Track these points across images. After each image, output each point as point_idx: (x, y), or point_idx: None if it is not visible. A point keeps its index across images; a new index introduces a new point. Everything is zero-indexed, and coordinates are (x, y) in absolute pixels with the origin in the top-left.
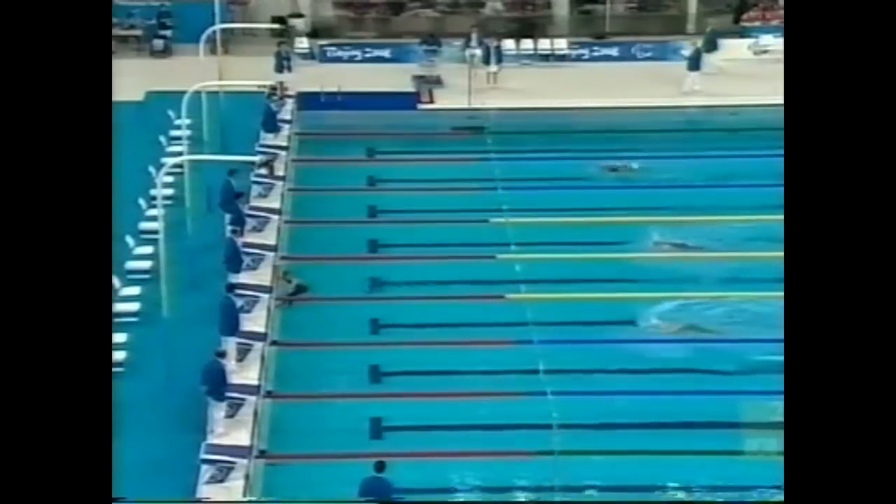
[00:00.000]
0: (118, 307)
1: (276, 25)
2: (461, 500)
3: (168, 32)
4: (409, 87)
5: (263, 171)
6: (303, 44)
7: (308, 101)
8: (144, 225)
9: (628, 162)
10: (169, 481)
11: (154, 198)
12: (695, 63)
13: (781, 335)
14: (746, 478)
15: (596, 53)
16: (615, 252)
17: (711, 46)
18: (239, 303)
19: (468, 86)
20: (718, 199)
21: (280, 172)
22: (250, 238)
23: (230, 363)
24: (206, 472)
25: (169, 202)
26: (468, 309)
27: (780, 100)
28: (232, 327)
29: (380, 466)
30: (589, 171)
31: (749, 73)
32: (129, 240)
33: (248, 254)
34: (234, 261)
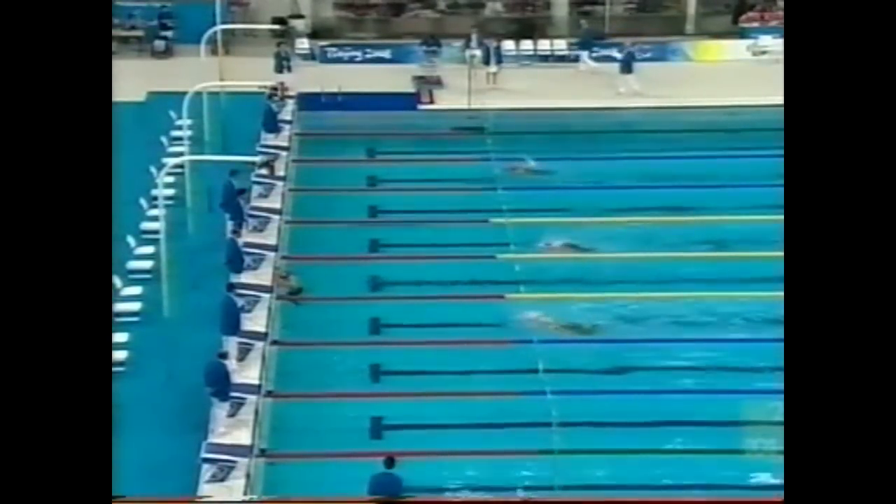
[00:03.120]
0: (120, 307)
1: (276, 26)
2: (461, 498)
3: (169, 33)
4: (410, 88)
5: (264, 171)
6: (303, 44)
7: (308, 101)
8: (146, 225)
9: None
10: (170, 480)
11: (155, 198)
12: (627, 66)
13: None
14: (746, 477)
15: (595, 54)
16: (613, 252)
17: (586, 45)
18: (240, 302)
19: (468, 86)
20: (720, 199)
21: (281, 173)
22: (251, 238)
23: (231, 363)
24: (206, 470)
25: (170, 202)
26: (468, 309)
27: (780, 100)
28: (233, 327)
29: (389, 462)
30: (585, 171)
31: (748, 73)
32: (131, 240)
33: (248, 254)
34: (236, 261)
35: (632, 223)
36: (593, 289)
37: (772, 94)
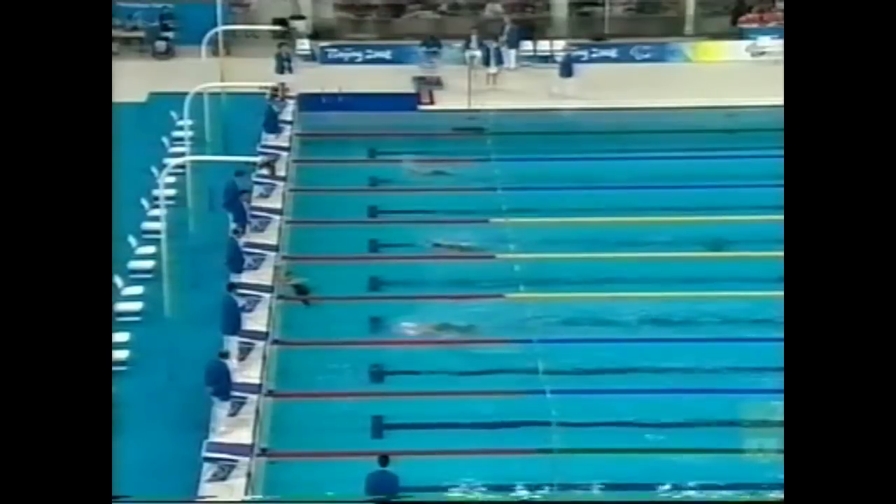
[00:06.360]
0: (121, 306)
1: (277, 27)
2: (461, 497)
3: (170, 34)
4: (410, 89)
5: (265, 171)
6: (304, 45)
7: (309, 102)
8: (147, 225)
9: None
10: (171, 479)
11: (156, 198)
12: (567, 69)
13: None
14: (746, 476)
15: (595, 55)
16: (611, 252)
17: (512, 44)
18: (241, 302)
19: (468, 87)
20: (719, 199)
21: (281, 173)
22: (252, 238)
23: (232, 362)
24: (208, 469)
25: (171, 202)
26: (468, 309)
27: (778, 101)
28: (234, 326)
29: (384, 460)
30: (586, 171)
31: (747, 74)
32: (132, 240)
33: (249, 253)
34: (236, 261)
35: (631, 223)
36: (592, 288)
37: (771, 94)
